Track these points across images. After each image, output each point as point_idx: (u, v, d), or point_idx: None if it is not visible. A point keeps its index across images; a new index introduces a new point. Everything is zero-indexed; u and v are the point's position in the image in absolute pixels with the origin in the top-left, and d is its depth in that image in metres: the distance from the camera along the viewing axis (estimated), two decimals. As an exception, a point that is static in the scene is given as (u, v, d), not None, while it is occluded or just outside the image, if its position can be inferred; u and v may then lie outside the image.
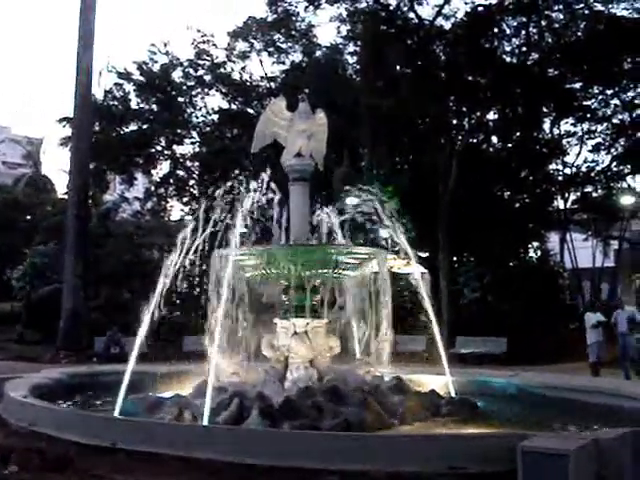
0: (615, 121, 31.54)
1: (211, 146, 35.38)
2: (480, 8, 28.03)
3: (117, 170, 36.59)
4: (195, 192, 36.78)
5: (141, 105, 36.01)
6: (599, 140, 32.27)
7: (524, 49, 29.66)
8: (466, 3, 28.72)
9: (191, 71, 35.87)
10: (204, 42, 35.54)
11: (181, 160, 37.21)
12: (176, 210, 38.49)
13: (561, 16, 28.98)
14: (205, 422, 8.14)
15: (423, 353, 17.20)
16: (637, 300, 32.73)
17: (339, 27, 32.83)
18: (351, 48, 33.93)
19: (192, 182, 37.67)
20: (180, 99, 36.01)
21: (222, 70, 35.97)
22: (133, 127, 35.82)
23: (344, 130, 25.92)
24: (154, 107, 35.81)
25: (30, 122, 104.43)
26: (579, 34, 28.68)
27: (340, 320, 10.94)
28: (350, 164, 29.26)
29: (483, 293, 26.88)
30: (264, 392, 9.00)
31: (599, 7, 28.08)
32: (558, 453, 5.42)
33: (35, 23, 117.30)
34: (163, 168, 37.46)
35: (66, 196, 30.45)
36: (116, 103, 35.58)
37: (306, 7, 32.44)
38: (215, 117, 36.55)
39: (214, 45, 35.58)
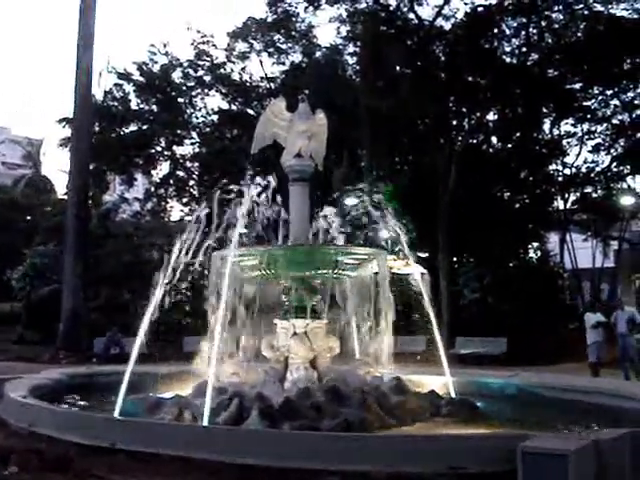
0: (615, 122, 31.57)
1: (211, 147, 35.40)
2: (480, 9, 28.08)
3: (117, 171, 36.60)
4: (195, 193, 36.81)
5: (141, 106, 36.03)
6: (599, 141, 32.33)
7: (524, 49, 29.69)
8: (466, 4, 28.79)
9: (191, 72, 35.88)
10: (204, 43, 35.58)
11: (181, 161, 37.23)
12: (176, 211, 38.57)
13: (561, 16, 29.01)
14: (205, 422, 8.14)
15: (423, 353, 17.23)
16: (637, 300, 32.74)
17: (339, 28, 32.89)
18: (351, 49, 33.97)
19: (192, 183, 37.70)
20: (180, 100, 36.02)
21: (222, 71, 35.98)
22: (133, 128, 35.84)
23: (344, 130, 25.93)
24: (154, 108, 35.83)
25: (30, 123, 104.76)
26: (579, 34, 28.71)
27: (340, 321, 10.95)
28: (350, 165, 29.29)
29: (483, 294, 26.89)
30: (264, 393, 8.99)
31: (599, 7, 28.12)
32: (558, 453, 5.42)
33: (35, 23, 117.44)
34: (163, 169, 37.56)
35: (66, 197, 30.46)
36: (116, 104, 35.60)
37: (306, 8, 32.46)
38: (215, 118, 36.58)
39: (214, 46, 35.63)
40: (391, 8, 29.46)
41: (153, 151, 36.52)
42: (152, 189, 37.84)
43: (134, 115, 35.59)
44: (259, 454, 6.43)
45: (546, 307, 26.01)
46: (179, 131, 36.02)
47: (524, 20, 28.65)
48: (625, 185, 33.14)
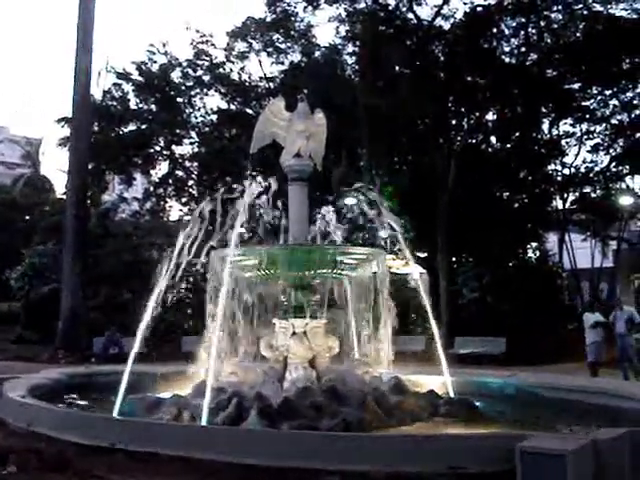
0: (614, 121, 31.55)
1: (210, 146, 35.36)
2: (479, 8, 28.07)
3: (116, 170, 36.55)
4: (194, 192, 36.76)
5: (140, 105, 35.98)
6: (598, 141, 32.28)
7: (523, 49, 29.68)
8: (465, 3, 28.76)
9: (190, 71, 35.85)
10: (203, 42, 35.52)
11: (180, 160, 37.18)
12: (175, 210, 38.53)
13: (560, 16, 28.99)
14: (204, 422, 8.15)
15: (422, 353, 17.23)
16: (636, 300, 32.76)
17: (338, 27, 32.82)
18: (350, 48, 33.89)
19: (191, 182, 37.65)
20: (179, 99, 35.99)
21: (221, 70, 35.94)
22: (132, 127, 35.80)
23: (343, 130, 25.92)
24: (153, 107, 35.79)
25: (29, 122, 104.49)
26: (578, 34, 28.69)
27: (339, 320, 10.95)
28: (349, 164, 29.28)
29: (482, 293, 26.91)
30: (263, 392, 9.00)
31: (598, 7, 28.10)
32: (556, 453, 5.43)
33: (34, 23, 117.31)
34: (162, 168, 37.46)
35: (65, 196, 30.42)
36: (115, 103, 35.56)
37: (305, 7, 32.42)
38: (214, 117, 36.53)
39: (213, 45, 35.57)
40: (390, 8, 29.42)
41: (152, 151, 36.47)
42: (151, 189, 37.79)
43: (133, 115, 35.55)
44: (258, 454, 6.44)
45: (545, 307, 26.02)
46: (178, 131, 35.98)
47: (523, 20, 28.65)
48: (624, 185, 33.14)
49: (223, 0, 73.81)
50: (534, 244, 31.93)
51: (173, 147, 36.83)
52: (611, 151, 32.18)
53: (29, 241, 32.30)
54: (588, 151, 32.61)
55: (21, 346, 25.54)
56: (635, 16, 27.68)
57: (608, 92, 30.40)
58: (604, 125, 31.90)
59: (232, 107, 36.63)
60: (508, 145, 32.34)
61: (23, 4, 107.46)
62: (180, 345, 21.77)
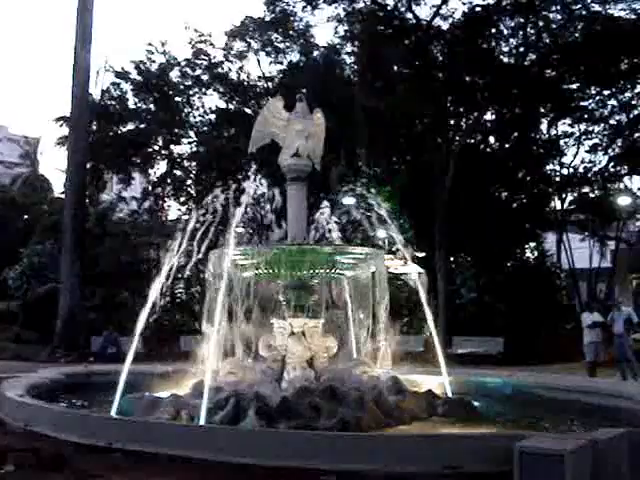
0: (612, 122, 31.58)
1: (208, 146, 35.35)
2: (478, 8, 28.04)
3: (114, 169, 36.57)
4: (192, 192, 36.75)
5: (138, 104, 35.98)
6: (596, 141, 32.31)
7: (521, 50, 29.66)
8: (464, 3, 28.71)
9: (188, 71, 35.84)
10: (201, 42, 35.51)
11: (178, 160, 37.18)
12: (173, 210, 38.53)
13: (559, 17, 28.96)
14: (202, 422, 8.14)
15: (420, 353, 17.23)
16: (634, 300, 32.80)
17: (337, 27, 32.79)
18: (349, 48, 33.88)
19: (189, 182, 37.64)
20: (177, 99, 35.98)
21: (219, 70, 35.93)
22: (130, 126, 35.81)
23: (341, 130, 25.91)
24: (151, 107, 35.79)
25: (27, 121, 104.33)
26: (576, 35, 28.67)
27: (337, 320, 10.95)
28: (347, 164, 29.27)
29: (480, 293, 26.94)
30: (261, 392, 8.99)
31: (596, 8, 28.08)
32: (555, 453, 5.42)
33: (33, 22, 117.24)
34: (160, 168, 37.46)
35: (63, 195, 30.42)
36: (113, 102, 35.57)
37: (304, 7, 32.40)
38: (212, 117, 36.52)
39: (211, 45, 35.56)
40: (389, 8, 29.40)
41: (150, 150, 36.46)
42: (149, 188, 37.77)
43: (131, 114, 35.55)
44: (256, 453, 6.43)
45: (543, 307, 26.07)
46: (176, 130, 35.97)
47: (522, 20, 28.64)
48: (622, 185, 33.19)
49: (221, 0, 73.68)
50: (532, 244, 31.97)
51: (172, 146, 36.84)
52: (609, 151, 32.21)
53: (27, 240, 32.28)
54: (586, 151, 32.68)
55: (19, 345, 25.53)
56: (634, 16, 27.66)
57: (606, 92, 30.42)
58: (602, 125, 31.93)
59: (231, 107, 36.63)
60: (507, 145, 32.37)
61: (22, 3, 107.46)
62: (179, 344, 21.77)
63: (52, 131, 78.92)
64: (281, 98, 11.36)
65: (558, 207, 32.85)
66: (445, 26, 29.48)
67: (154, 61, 35.62)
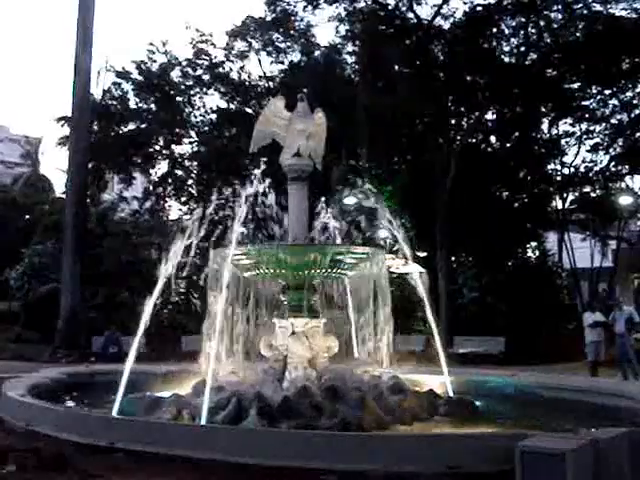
0: (613, 121, 31.52)
1: (210, 146, 35.36)
2: (479, 8, 28.02)
3: (115, 169, 36.54)
4: (193, 192, 36.76)
5: (139, 104, 35.97)
6: (597, 140, 32.23)
7: (523, 49, 29.64)
8: (465, 3, 28.70)
9: (190, 70, 35.83)
10: (203, 42, 35.48)
11: (179, 160, 37.16)
12: (174, 209, 38.53)
13: (560, 16, 28.94)
14: (203, 422, 8.15)
15: (421, 353, 17.24)
16: (636, 300, 32.77)
17: (338, 27, 32.76)
18: (350, 48, 33.85)
19: (190, 182, 37.61)
20: (178, 98, 35.97)
21: (220, 70, 35.91)
22: (131, 126, 35.81)
23: (342, 130, 25.91)
24: (152, 106, 35.78)
25: (28, 121, 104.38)
26: (578, 34, 28.65)
27: (338, 320, 10.95)
28: (348, 164, 29.27)
29: (481, 293, 26.91)
30: (262, 392, 9.00)
31: (598, 7, 28.04)
32: (556, 453, 5.42)
33: (33, 21, 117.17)
34: (161, 167, 37.42)
35: (64, 195, 30.41)
36: (114, 102, 35.55)
37: (305, 7, 32.38)
38: (213, 117, 36.51)
39: (213, 45, 35.52)
40: (390, 7, 29.40)
41: (152, 150, 36.46)
42: (151, 188, 37.74)
43: (133, 114, 35.55)
44: (257, 453, 6.44)
45: (544, 307, 26.04)
46: (178, 130, 35.97)
47: (523, 20, 28.62)
48: (623, 185, 33.12)
49: (223, -1, 73.61)
50: (534, 244, 31.94)
51: (173, 146, 36.82)
52: (611, 151, 32.14)
53: (29, 240, 32.28)
54: (588, 151, 32.60)
55: (21, 345, 25.52)
56: (635, 16, 27.64)
57: (608, 92, 30.37)
58: (604, 125, 31.87)
59: (232, 106, 36.61)
60: (508, 145, 32.31)
61: (23, 2, 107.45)
62: (180, 344, 21.77)
63: (53, 131, 79.09)
64: (282, 98, 11.36)
65: (559, 207, 32.79)
66: (446, 26, 29.50)
67: (155, 61, 35.62)
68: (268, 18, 33.78)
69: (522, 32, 29.21)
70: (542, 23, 29.16)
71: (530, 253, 32.01)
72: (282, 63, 35.58)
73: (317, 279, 10.48)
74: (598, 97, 30.78)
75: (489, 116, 31.10)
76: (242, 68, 36.17)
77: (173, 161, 36.95)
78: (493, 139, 32.83)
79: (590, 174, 32.62)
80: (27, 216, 37.75)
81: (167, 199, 38.08)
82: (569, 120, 32.04)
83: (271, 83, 35.53)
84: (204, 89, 36.13)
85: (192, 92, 36.06)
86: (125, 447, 6.91)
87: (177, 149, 37.03)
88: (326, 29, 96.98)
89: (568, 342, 21.21)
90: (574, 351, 19.17)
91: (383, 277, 10.64)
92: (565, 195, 32.78)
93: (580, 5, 28.06)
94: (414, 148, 31.45)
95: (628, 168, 31.95)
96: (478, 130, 30.93)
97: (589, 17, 27.79)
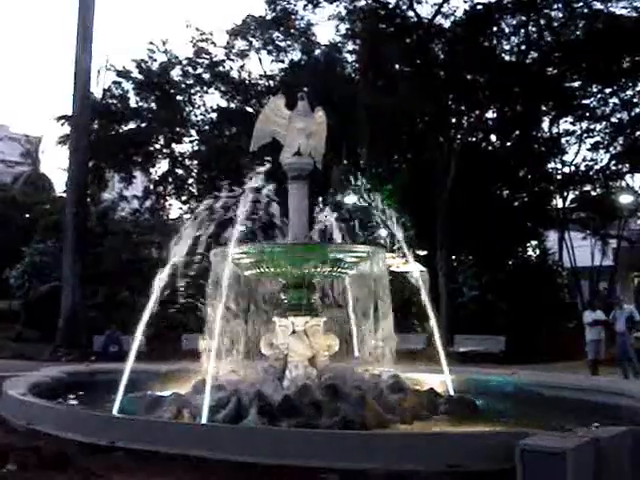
0: (614, 120, 31.52)
1: (210, 144, 35.37)
2: (479, 7, 28.03)
3: (116, 168, 36.57)
4: (194, 190, 36.79)
5: (140, 103, 36.01)
6: (598, 139, 32.24)
7: (523, 48, 29.64)
8: (465, 1, 28.70)
9: (190, 69, 35.85)
10: (203, 40, 35.50)
11: (180, 158, 37.20)
12: (175, 208, 38.56)
13: (560, 15, 28.94)
14: (204, 420, 8.15)
15: (422, 351, 17.23)
16: (636, 298, 32.78)
17: (338, 25, 32.77)
18: (350, 46, 33.87)
19: (191, 180, 37.67)
20: (179, 97, 36.00)
21: (221, 68, 35.93)
22: (132, 125, 35.84)
23: (343, 128, 25.91)
24: (153, 105, 35.82)
25: (28, 120, 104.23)
26: (578, 33, 28.65)
27: (339, 318, 10.95)
28: (349, 162, 29.27)
29: (482, 292, 26.91)
30: (263, 390, 9.00)
31: (598, 6, 28.03)
32: (557, 452, 5.42)
33: (34, 20, 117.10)
34: (162, 166, 37.49)
35: (64, 194, 30.45)
36: (115, 101, 35.59)
37: (305, 5, 32.41)
38: (214, 115, 36.54)
39: (213, 43, 35.54)
40: (390, 6, 29.40)
41: (152, 149, 36.50)
42: (151, 187, 37.79)
43: (133, 113, 35.58)
44: (258, 452, 6.44)
45: (545, 305, 26.04)
46: (178, 129, 36.00)
47: (523, 18, 28.62)
48: (624, 183, 33.14)
49: (223, -2, 73.57)
50: (534, 242, 31.92)
51: (173, 145, 36.87)
52: (611, 149, 32.14)
53: (29, 239, 32.28)
54: (588, 149, 32.62)
55: (21, 344, 25.53)
56: (635, 14, 27.63)
57: (608, 90, 30.36)
58: (604, 123, 31.88)
59: (232, 105, 36.63)
60: (508, 143, 32.33)
61: (23, 2, 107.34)
62: (181, 343, 21.76)
63: (53, 130, 78.83)
64: (282, 96, 11.35)
65: (560, 205, 32.81)
66: (446, 24, 29.53)
67: (155, 60, 35.65)
68: (268, 17, 33.80)
69: (522, 31, 29.21)
70: (542, 22, 29.15)
71: (530, 252, 32.00)
72: (282, 62, 35.61)
73: (317, 278, 10.47)
74: (598, 96, 30.78)
75: (489, 115, 31.14)
76: (242, 67, 36.22)
77: (173, 160, 36.98)
78: (493, 138, 32.86)
79: (590, 173, 32.63)
80: (27, 215, 37.76)
81: (167, 198, 38.16)
82: (569, 119, 32.04)
83: (271, 82, 35.53)
84: (204, 88, 36.15)
85: (192, 91, 36.09)
86: (126, 446, 6.91)
87: (177, 148, 37.13)
88: (326, 28, 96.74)
89: (568, 341, 21.21)
90: (574, 350, 19.17)
91: (383, 276, 10.64)
92: (565, 194, 32.78)
93: (580, 4, 28.05)
94: (414, 147, 31.46)
95: (628, 167, 31.96)
96: (478, 129, 30.95)
97: (589, 16, 27.79)
